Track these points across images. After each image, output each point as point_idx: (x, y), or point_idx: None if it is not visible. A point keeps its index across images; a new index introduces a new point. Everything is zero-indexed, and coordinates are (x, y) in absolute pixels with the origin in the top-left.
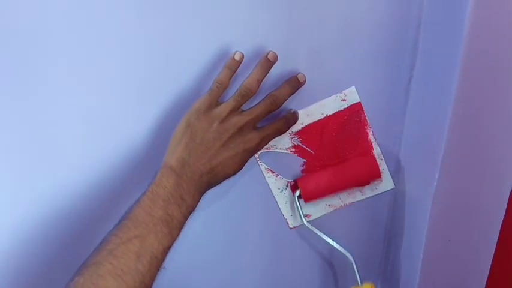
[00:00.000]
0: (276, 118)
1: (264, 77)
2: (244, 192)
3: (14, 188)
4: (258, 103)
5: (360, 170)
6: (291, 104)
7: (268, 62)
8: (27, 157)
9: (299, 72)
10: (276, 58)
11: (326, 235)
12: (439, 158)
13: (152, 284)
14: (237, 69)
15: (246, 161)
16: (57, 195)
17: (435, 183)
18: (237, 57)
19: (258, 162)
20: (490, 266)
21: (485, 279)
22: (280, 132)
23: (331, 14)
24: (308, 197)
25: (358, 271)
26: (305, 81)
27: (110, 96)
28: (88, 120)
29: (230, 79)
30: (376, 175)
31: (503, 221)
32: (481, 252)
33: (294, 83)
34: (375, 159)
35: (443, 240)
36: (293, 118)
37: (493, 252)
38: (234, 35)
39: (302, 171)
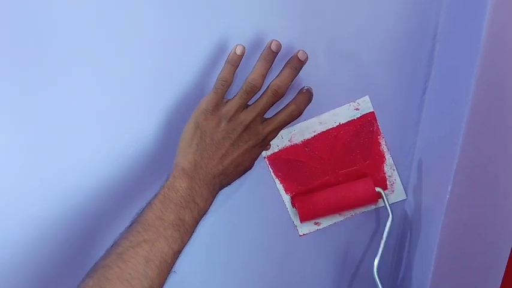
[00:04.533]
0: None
1: (268, 70)
2: (256, 197)
3: (24, 187)
4: (261, 96)
5: (357, 194)
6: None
7: (272, 53)
8: (37, 156)
9: (299, 50)
10: (279, 47)
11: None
12: (452, 171)
13: None
14: (239, 63)
15: (256, 158)
16: (68, 195)
17: (448, 196)
18: (238, 51)
19: (269, 168)
20: (501, 280)
21: None
22: (293, 117)
23: (345, 21)
24: (304, 219)
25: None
26: (307, 58)
27: (119, 95)
28: (97, 120)
29: (234, 74)
30: (372, 200)
31: None
32: (492, 265)
33: (296, 64)
34: (372, 183)
35: (454, 253)
36: (306, 98)
37: (505, 266)
38: (237, 27)
39: (312, 178)
